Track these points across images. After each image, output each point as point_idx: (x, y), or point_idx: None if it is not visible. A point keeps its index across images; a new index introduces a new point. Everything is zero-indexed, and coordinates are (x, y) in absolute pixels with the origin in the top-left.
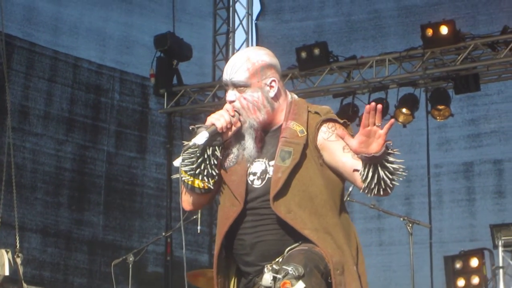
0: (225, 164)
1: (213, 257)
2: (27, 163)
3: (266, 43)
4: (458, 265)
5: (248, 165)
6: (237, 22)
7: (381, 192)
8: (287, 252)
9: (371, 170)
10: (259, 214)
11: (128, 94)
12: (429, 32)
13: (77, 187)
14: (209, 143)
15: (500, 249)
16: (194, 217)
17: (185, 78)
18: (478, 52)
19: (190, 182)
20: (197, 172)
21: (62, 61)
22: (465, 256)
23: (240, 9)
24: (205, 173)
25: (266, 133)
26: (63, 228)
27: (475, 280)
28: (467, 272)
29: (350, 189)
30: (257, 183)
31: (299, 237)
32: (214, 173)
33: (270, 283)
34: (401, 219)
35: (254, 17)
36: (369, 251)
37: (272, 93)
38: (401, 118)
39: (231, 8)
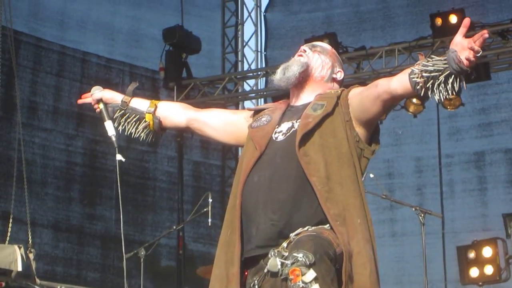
0: (254, 124)
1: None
2: (37, 159)
3: (275, 34)
4: (471, 255)
5: (277, 126)
6: (245, 14)
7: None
8: (293, 238)
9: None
10: (275, 165)
11: (138, 87)
12: (439, 21)
13: (88, 182)
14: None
15: None
16: (205, 209)
17: (195, 71)
18: (488, 40)
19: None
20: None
21: (69, 56)
22: (478, 245)
23: (249, 1)
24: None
25: (303, 106)
26: (75, 223)
27: (489, 269)
28: (480, 262)
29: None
30: (280, 138)
31: (311, 195)
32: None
33: (278, 268)
34: (413, 209)
35: (263, 9)
36: (382, 242)
37: (334, 75)
38: (411, 108)
39: (239, 0)
